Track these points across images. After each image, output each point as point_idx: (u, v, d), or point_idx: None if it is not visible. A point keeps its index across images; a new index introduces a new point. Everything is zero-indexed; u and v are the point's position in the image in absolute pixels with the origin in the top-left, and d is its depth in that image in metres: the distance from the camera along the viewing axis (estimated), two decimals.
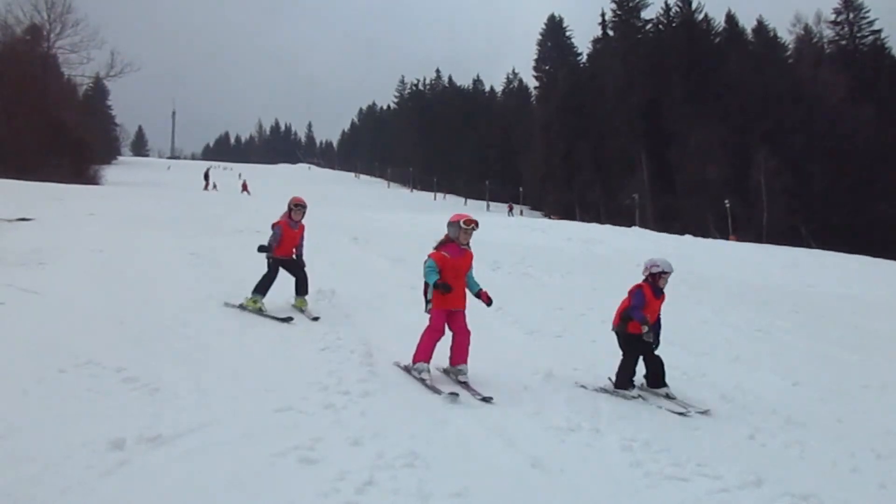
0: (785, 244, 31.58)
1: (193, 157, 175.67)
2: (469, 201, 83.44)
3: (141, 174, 64.69)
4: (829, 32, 62.71)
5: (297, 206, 8.48)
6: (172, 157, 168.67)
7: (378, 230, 18.85)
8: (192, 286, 8.92)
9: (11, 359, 5.44)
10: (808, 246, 31.81)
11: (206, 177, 46.46)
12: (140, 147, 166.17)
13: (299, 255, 8.50)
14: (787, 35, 65.95)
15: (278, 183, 67.78)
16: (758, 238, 42.76)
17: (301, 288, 8.27)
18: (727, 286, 14.53)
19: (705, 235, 35.27)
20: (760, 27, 67.04)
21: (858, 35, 60.72)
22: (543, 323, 9.05)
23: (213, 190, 41.94)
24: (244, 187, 46.51)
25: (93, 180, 44.67)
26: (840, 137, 50.17)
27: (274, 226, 8.34)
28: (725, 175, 53.56)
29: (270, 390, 5.31)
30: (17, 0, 50.10)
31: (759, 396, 6.72)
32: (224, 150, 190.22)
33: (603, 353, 7.76)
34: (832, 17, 61.87)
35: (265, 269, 8.25)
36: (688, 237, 28.35)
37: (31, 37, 49.39)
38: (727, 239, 37.80)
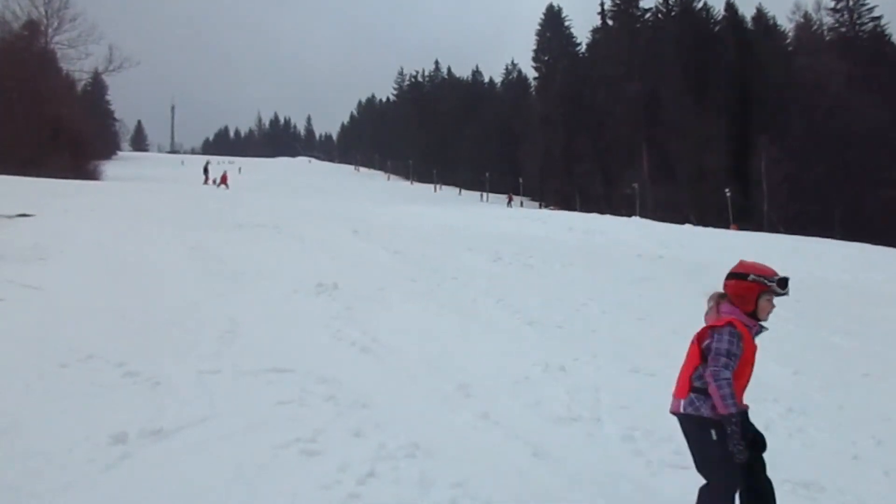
0: (786, 232, 31.59)
1: (193, 152, 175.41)
2: (469, 192, 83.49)
3: (142, 169, 64.70)
4: (828, 20, 62.63)
5: None
6: (172, 151, 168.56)
7: (378, 223, 18.83)
8: (192, 280, 8.93)
9: (13, 354, 5.44)
10: (809, 234, 31.76)
11: (206, 171, 46.37)
12: (140, 142, 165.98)
13: None
14: (786, 23, 65.96)
15: (278, 176, 67.82)
16: (759, 227, 42.77)
17: None
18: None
19: (705, 224, 35.23)
20: (760, 15, 66.94)
21: (858, 22, 60.55)
22: (544, 313, 9.05)
23: (221, 187, 37.45)
24: (223, 180, 40.20)
25: (92, 176, 44.68)
26: (840, 125, 50.05)
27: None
28: (725, 164, 53.61)
29: (272, 383, 5.32)
30: None
31: (759, 385, 6.70)
32: (224, 143, 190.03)
33: (603, 343, 7.77)
34: (832, 4, 61.77)
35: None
36: (688, 226, 28.35)
37: (29, 32, 49.33)
38: (727, 228, 37.78)
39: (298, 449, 4.12)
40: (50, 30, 49.91)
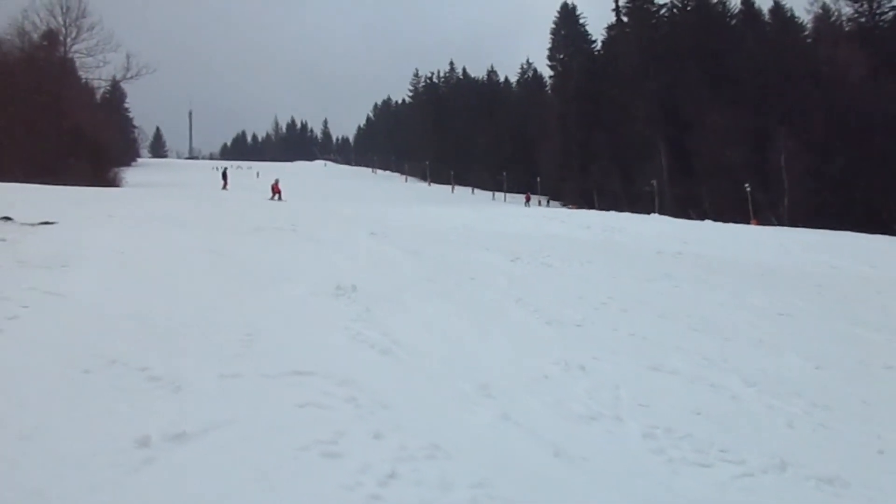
0: (807, 226, 31.23)
1: (211, 157, 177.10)
2: (485, 192, 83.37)
3: (161, 175, 65.31)
4: (847, 10, 61.57)
5: None
6: (190, 157, 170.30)
7: (396, 224, 18.88)
8: (212, 284, 9.00)
9: (37, 360, 5.52)
10: (831, 227, 31.36)
11: (224, 176, 46.74)
12: (158, 148, 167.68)
13: None
14: (804, 14, 65.05)
15: (295, 180, 68.13)
16: (780, 221, 42.30)
17: None
18: (748, 269, 14.40)
19: (726, 220, 34.92)
20: (777, 7, 66.09)
21: (878, 12, 59.61)
22: (563, 312, 9.03)
23: (274, 198, 33.05)
24: (275, 191, 35.56)
25: (112, 183, 45.18)
26: (861, 116, 49.27)
27: None
28: (745, 158, 52.93)
29: (292, 386, 5.34)
30: (33, 6, 50.65)
31: (782, 379, 6.66)
32: (241, 148, 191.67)
33: (623, 341, 7.74)
34: None
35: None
36: (708, 223, 28.13)
37: (48, 42, 49.94)
38: (748, 223, 37.43)
39: (319, 451, 4.14)
40: (68, 39, 50.49)
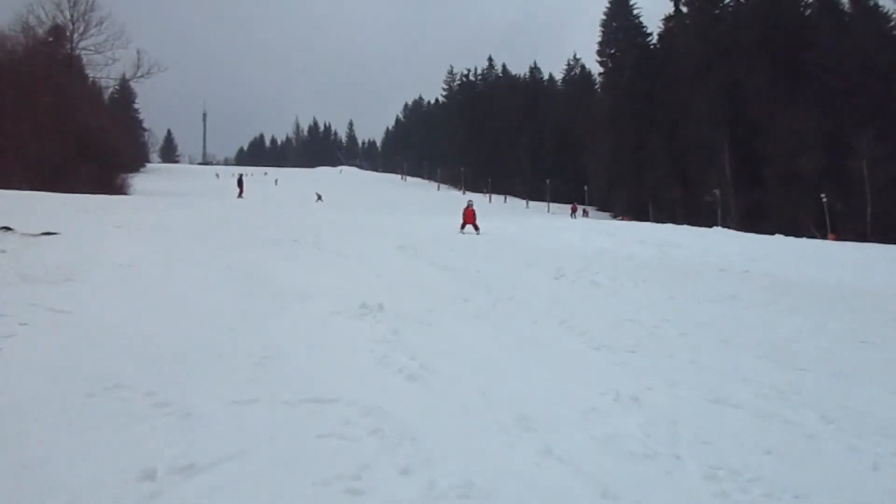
0: (894, 242, 30.59)
1: (226, 162, 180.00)
2: (528, 203, 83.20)
3: (172, 182, 66.46)
4: None
5: None
6: (204, 162, 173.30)
7: (427, 237, 18.95)
8: (226, 302, 9.12)
9: (37, 382, 5.63)
10: None
11: (240, 184, 47.44)
12: (169, 153, 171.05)
13: None
14: (889, 2, 64.01)
15: (318, 188, 68.84)
16: (861, 236, 41.52)
17: None
18: (825, 291, 14.15)
19: (799, 235, 34.41)
20: None
21: None
22: (613, 336, 8.95)
23: (318, 202, 41.87)
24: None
25: (120, 190, 46.14)
26: None
27: None
28: (821, 165, 52.19)
29: (312, 414, 5.37)
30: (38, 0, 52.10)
31: (865, 415, 6.50)
32: (259, 153, 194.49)
33: (681, 370, 7.64)
34: None
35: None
36: (778, 237, 27.72)
37: (54, 38, 51.29)
38: (825, 238, 36.81)
39: (341, 487, 4.15)
40: (75, 35, 52.01)
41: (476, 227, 23.68)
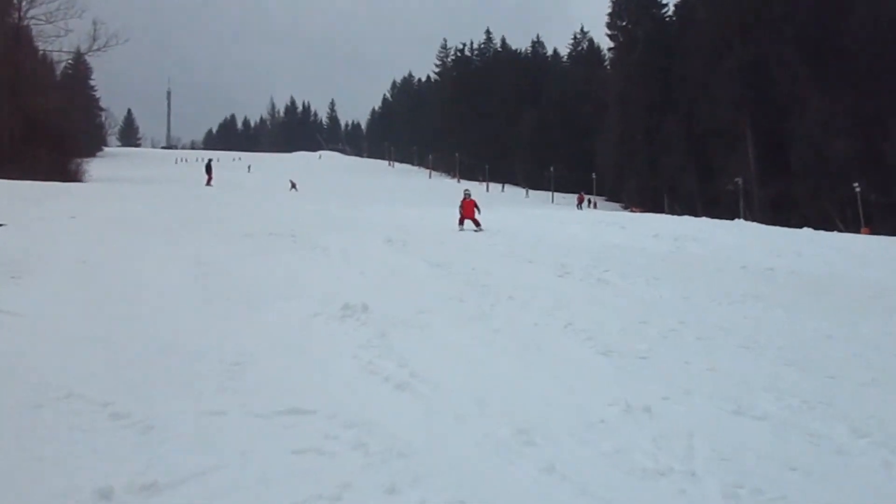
0: None
1: (193, 146, 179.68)
2: (530, 192, 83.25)
3: (133, 168, 66.28)
4: None
5: None
6: (168, 146, 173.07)
7: (417, 230, 18.95)
8: (193, 301, 9.09)
9: None
10: None
11: (209, 170, 47.33)
12: (130, 135, 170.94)
13: None
14: None
15: (295, 175, 68.80)
16: None
17: None
18: (858, 291, 14.19)
19: (829, 228, 34.54)
20: None
21: None
22: (624, 341, 8.96)
23: (292, 190, 43.81)
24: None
25: (74, 176, 45.96)
26: None
27: None
28: (854, 151, 52.23)
29: (288, 427, 5.37)
30: None
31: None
32: (230, 136, 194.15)
33: (698, 378, 7.65)
34: None
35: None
36: (807, 231, 27.79)
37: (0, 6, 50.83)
38: (858, 232, 36.96)
39: None
40: (24, 2, 51.46)
41: (476, 223, 21.64)
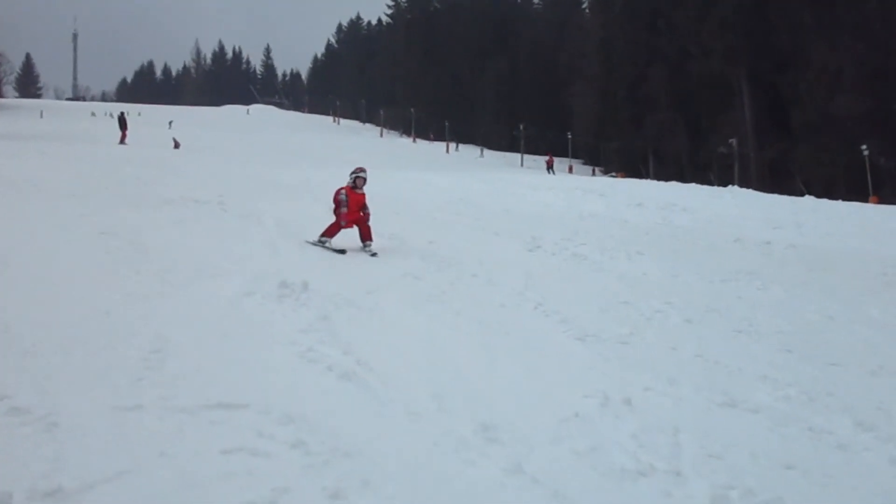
0: None
1: (105, 98, 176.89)
2: (493, 153, 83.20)
3: (32, 122, 65.02)
4: None
5: None
6: (75, 97, 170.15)
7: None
8: (103, 279, 8.96)
9: None
10: None
11: (123, 124, 46.49)
12: (29, 84, 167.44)
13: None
14: None
15: (224, 132, 67.92)
16: None
17: None
18: (866, 266, 14.40)
19: (833, 196, 35.01)
20: None
21: None
22: (602, 324, 9.03)
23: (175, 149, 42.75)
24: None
25: None
26: None
27: None
28: (862, 109, 52.75)
29: (215, 423, 5.33)
30: None
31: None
32: (148, 86, 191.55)
33: (685, 365, 7.74)
34: None
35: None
36: (808, 199, 28.15)
37: None
38: (866, 201, 37.52)
39: None
40: None
41: (368, 236, 12.46)
